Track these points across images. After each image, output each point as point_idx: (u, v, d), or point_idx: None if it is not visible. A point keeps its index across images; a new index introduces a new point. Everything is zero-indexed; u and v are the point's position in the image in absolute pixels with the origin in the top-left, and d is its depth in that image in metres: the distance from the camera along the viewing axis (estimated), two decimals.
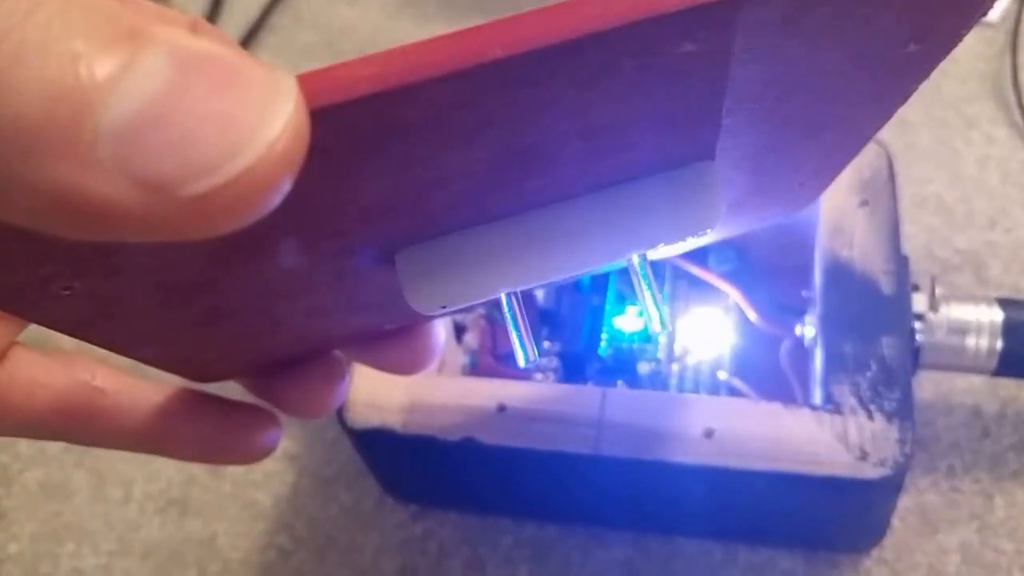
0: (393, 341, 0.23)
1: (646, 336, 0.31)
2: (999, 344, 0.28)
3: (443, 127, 0.13)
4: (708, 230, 0.17)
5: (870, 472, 0.24)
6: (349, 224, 0.15)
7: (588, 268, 0.18)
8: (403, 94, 0.12)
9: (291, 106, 0.11)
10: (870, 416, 0.25)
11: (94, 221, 0.11)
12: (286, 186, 0.11)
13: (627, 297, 0.32)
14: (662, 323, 0.18)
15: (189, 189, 0.10)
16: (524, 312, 0.18)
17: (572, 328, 0.32)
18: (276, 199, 0.11)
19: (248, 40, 0.46)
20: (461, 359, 0.32)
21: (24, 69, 0.10)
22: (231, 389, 0.22)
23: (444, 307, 0.17)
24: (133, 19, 0.11)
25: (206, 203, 0.10)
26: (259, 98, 0.11)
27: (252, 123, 0.11)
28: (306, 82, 0.11)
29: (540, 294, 0.33)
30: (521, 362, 0.18)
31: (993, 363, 0.28)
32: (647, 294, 0.17)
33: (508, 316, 0.18)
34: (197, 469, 0.36)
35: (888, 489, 0.25)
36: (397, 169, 0.14)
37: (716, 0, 0.11)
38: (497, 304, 0.18)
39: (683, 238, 0.17)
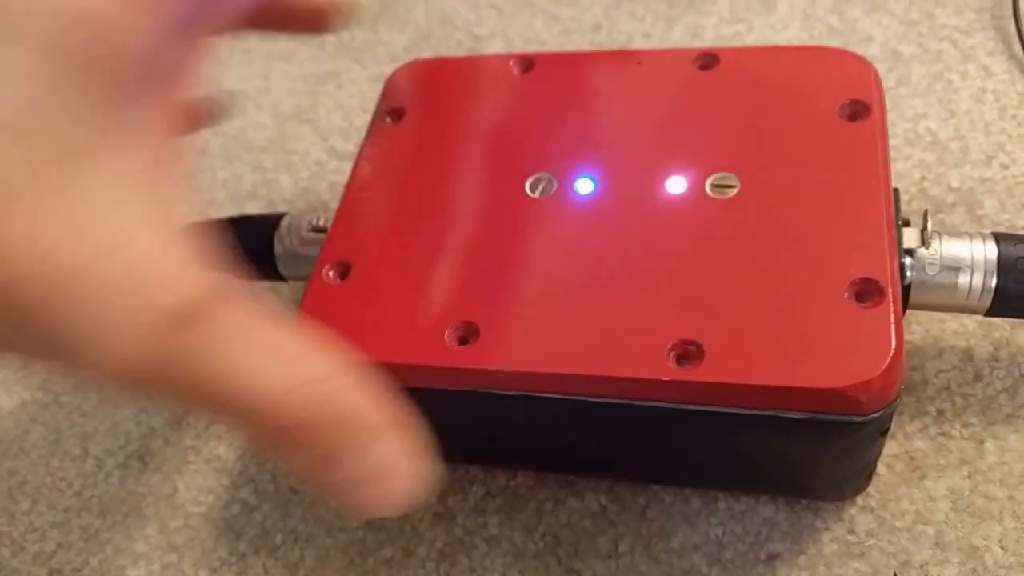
0: None
1: None
2: (993, 282, 0.26)
3: None
4: None
5: None
6: None
7: None
8: None
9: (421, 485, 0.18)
10: None
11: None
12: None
13: None
14: None
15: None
16: None
17: None
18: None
19: None
20: None
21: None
22: None
23: None
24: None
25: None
26: (408, 487, 0.18)
27: (404, 496, 0.18)
28: None
29: None
30: None
31: (987, 302, 0.26)
32: None
33: None
34: (157, 422, 0.35)
35: (874, 430, 0.23)
36: None
37: None
38: None
39: None
